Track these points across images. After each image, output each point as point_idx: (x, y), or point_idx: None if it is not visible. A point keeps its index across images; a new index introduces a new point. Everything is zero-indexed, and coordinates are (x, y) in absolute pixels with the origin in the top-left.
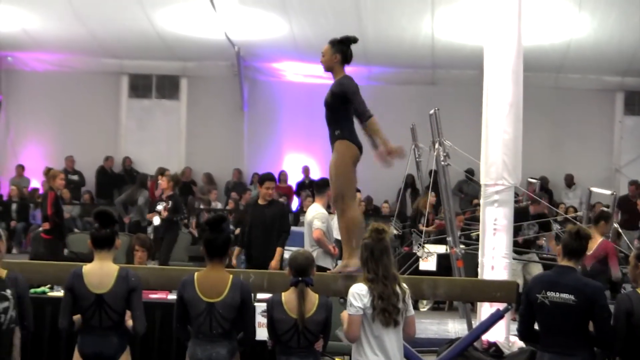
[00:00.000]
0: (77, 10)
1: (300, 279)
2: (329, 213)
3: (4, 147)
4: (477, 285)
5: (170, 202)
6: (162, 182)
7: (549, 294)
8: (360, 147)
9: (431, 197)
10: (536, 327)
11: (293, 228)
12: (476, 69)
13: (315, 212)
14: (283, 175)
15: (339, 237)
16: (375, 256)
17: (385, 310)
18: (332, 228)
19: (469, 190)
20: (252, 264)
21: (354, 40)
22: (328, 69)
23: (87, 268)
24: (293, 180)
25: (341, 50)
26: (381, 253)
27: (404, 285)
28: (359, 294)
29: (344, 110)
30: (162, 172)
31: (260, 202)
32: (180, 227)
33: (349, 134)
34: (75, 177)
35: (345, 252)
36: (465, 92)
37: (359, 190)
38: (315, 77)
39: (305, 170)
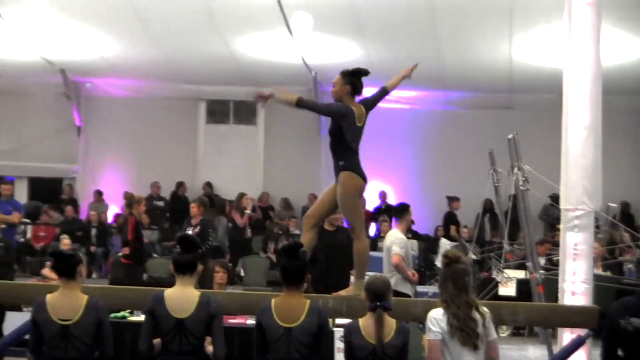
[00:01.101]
0: (155, 37)
1: (378, 303)
2: (408, 238)
3: (83, 172)
4: (557, 311)
5: (198, 228)
6: (192, 207)
7: (632, 319)
8: (364, 179)
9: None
10: (619, 352)
11: (371, 253)
12: (554, 93)
13: (394, 238)
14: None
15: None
16: (449, 281)
17: (462, 330)
18: (410, 253)
19: (554, 214)
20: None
21: (365, 72)
22: (337, 99)
23: (168, 292)
24: (370, 206)
25: (351, 81)
26: (455, 278)
27: (484, 309)
28: (436, 318)
29: (344, 138)
30: (241, 196)
31: (327, 227)
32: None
33: (353, 165)
34: (160, 203)
35: (355, 282)
36: (544, 116)
37: None
38: (393, 102)
39: (383, 195)
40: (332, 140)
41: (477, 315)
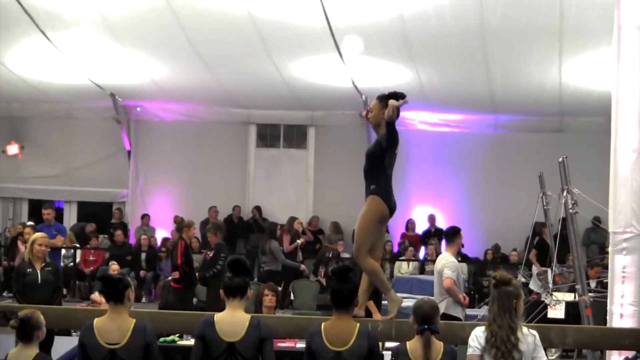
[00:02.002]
0: (205, 61)
1: (426, 327)
2: (458, 262)
3: (133, 196)
4: (605, 333)
5: (212, 252)
6: (209, 236)
7: None
8: (391, 208)
9: None
10: None
11: (420, 276)
12: (604, 116)
13: (446, 261)
14: (411, 224)
15: None
16: (493, 301)
17: (497, 348)
18: (461, 276)
19: (596, 238)
20: None
21: (402, 96)
22: (376, 124)
23: (219, 316)
24: (419, 229)
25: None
26: (499, 299)
27: (532, 331)
28: (476, 335)
29: (382, 164)
30: (292, 220)
31: None
32: (215, 280)
33: (384, 191)
34: None
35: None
36: (593, 139)
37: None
38: (442, 125)
39: (431, 219)
40: (368, 164)
41: (519, 338)
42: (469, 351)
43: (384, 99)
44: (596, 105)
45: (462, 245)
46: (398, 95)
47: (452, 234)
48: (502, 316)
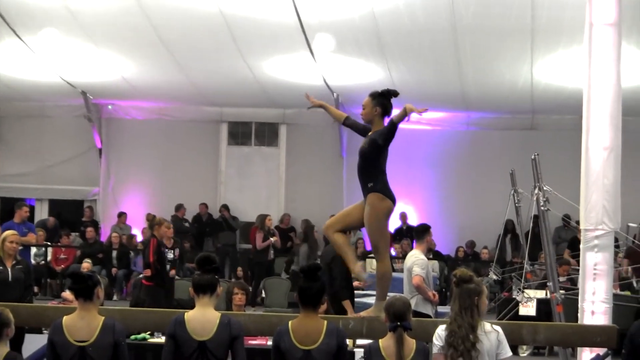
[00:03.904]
0: (176, 59)
1: (398, 324)
2: (428, 259)
3: (105, 194)
4: (577, 331)
5: (177, 251)
6: (168, 231)
7: None
8: (393, 200)
9: None
10: None
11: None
12: (575, 114)
13: (415, 259)
14: None
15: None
16: (454, 299)
17: (455, 347)
18: (431, 274)
19: (566, 236)
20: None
21: (394, 93)
22: (368, 121)
23: (189, 315)
24: (391, 227)
25: (382, 103)
26: (457, 297)
27: (495, 327)
28: (439, 333)
29: (379, 161)
30: (263, 218)
31: None
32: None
33: (383, 186)
34: (187, 225)
35: (376, 303)
36: (565, 137)
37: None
38: (414, 123)
39: (403, 216)
40: (363, 162)
41: (480, 336)
42: (434, 350)
43: (377, 96)
44: (568, 103)
45: (434, 243)
46: (391, 93)
47: (421, 231)
48: (462, 315)
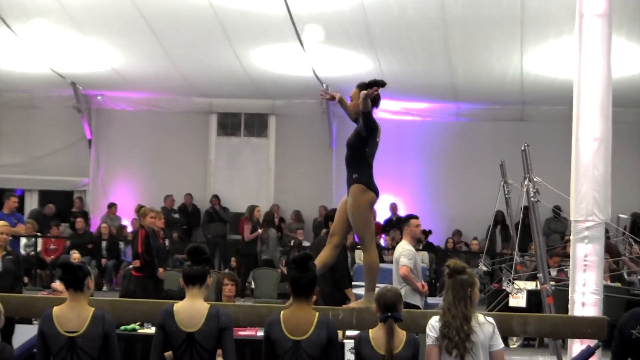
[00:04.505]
0: (166, 50)
1: (389, 314)
2: (417, 250)
3: (94, 185)
4: (567, 322)
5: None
6: (156, 221)
7: None
8: (377, 192)
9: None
10: None
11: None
12: (565, 105)
13: (402, 249)
14: None
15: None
16: (447, 290)
17: (450, 339)
18: (419, 265)
19: (557, 228)
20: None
21: (381, 83)
22: (356, 113)
23: (178, 306)
24: (380, 218)
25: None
26: (451, 288)
27: (488, 319)
28: (432, 325)
29: (364, 153)
30: (252, 209)
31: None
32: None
33: (367, 178)
34: (176, 216)
35: (365, 294)
36: (555, 128)
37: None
38: (403, 114)
39: (393, 207)
40: (349, 153)
41: (474, 328)
42: (428, 341)
43: (364, 87)
44: (558, 94)
45: (421, 233)
46: (378, 83)
47: (404, 221)
48: (456, 305)
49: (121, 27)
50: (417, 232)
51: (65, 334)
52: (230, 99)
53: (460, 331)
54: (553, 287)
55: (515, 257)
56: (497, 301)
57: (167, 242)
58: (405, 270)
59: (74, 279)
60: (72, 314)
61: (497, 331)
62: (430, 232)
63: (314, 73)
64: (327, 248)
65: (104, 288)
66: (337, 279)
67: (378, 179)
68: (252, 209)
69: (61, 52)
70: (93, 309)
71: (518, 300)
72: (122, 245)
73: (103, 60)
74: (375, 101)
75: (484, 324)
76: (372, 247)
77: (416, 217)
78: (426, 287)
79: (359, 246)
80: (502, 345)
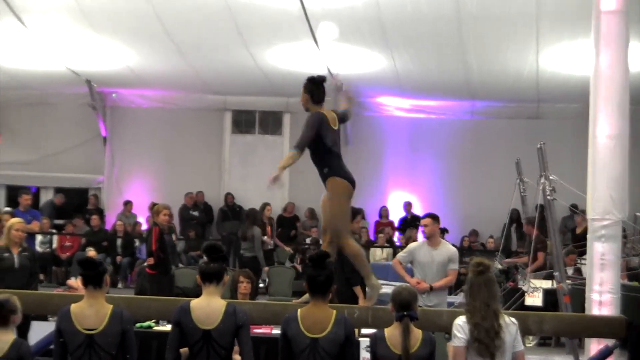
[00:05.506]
0: (181, 48)
1: (405, 313)
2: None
3: (109, 182)
4: (584, 321)
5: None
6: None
7: None
8: (352, 181)
9: None
10: None
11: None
12: (581, 102)
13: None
14: (384, 211)
15: None
16: (473, 289)
17: (480, 341)
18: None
19: (573, 226)
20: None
21: (318, 79)
22: (305, 108)
23: (194, 303)
24: (395, 217)
25: (310, 89)
26: (479, 287)
27: (512, 320)
28: (461, 325)
29: (325, 145)
30: (263, 207)
31: None
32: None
33: (337, 169)
34: (195, 213)
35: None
36: (570, 125)
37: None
38: (418, 111)
39: (407, 206)
40: (311, 152)
41: (502, 326)
42: (455, 342)
43: (305, 83)
44: (573, 92)
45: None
46: (315, 79)
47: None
48: (489, 304)
49: (135, 25)
50: (424, 230)
51: (83, 331)
52: (245, 97)
53: (489, 331)
54: (570, 286)
55: (530, 255)
56: (513, 300)
57: (174, 237)
58: (394, 261)
59: (95, 276)
60: (91, 311)
61: (519, 332)
62: (446, 230)
63: (328, 71)
64: (323, 246)
65: (119, 285)
66: (347, 276)
67: (393, 177)
68: (262, 207)
69: (76, 50)
70: (111, 306)
71: (534, 299)
72: (136, 242)
73: (118, 58)
74: (315, 95)
75: (510, 324)
76: (349, 237)
77: (426, 217)
78: (422, 285)
79: (376, 245)
80: (522, 346)
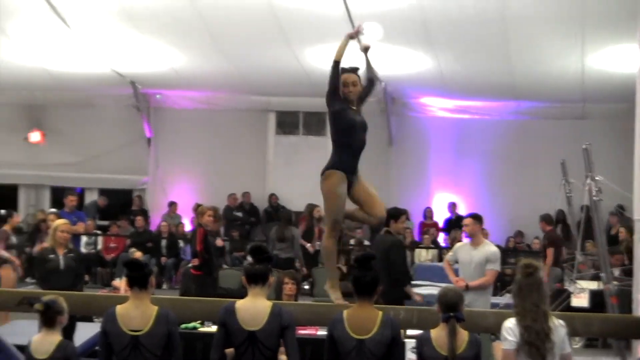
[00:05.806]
0: (224, 49)
1: (451, 314)
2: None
3: (153, 183)
4: (631, 322)
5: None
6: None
7: None
8: (340, 168)
9: None
10: None
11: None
12: (627, 102)
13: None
14: (429, 212)
15: None
16: (523, 291)
17: (531, 343)
18: (466, 260)
19: (608, 227)
20: None
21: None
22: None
23: (240, 304)
24: (440, 218)
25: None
26: (529, 289)
27: (559, 322)
28: (511, 328)
29: (334, 136)
30: (312, 208)
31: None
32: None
33: (331, 162)
34: (239, 214)
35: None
36: (616, 125)
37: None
38: (462, 112)
39: (452, 206)
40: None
41: (552, 328)
42: (505, 345)
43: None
44: (619, 91)
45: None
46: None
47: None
48: (539, 305)
49: (179, 27)
50: (465, 230)
51: (129, 333)
52: (289, 98)
53: (540, 333)
54: (617, 287)
55: (577, 256)
56: (559, 301)
57: (219, 240)
58: (444, 261)
59: (141, 277)
60: (136, 312)
61: (567, 334)
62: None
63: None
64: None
65: (164, 286)
66: (395, 277)
67: (437, 177)
68: (311, 208)
69: (120, 52)
70: (157, 307)
71: (581, 300)
72: (181, 243)
73: (162, 59)
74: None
75: (558, 327)
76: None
77: (467, 217)
78: (459, 283)
79: (421, 245)
80: (570, 348)
